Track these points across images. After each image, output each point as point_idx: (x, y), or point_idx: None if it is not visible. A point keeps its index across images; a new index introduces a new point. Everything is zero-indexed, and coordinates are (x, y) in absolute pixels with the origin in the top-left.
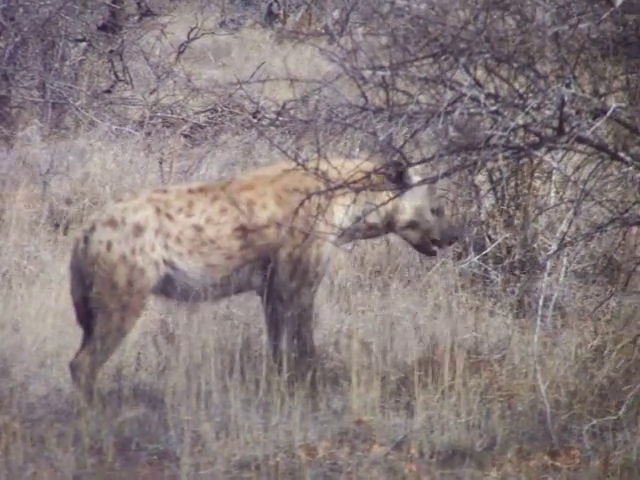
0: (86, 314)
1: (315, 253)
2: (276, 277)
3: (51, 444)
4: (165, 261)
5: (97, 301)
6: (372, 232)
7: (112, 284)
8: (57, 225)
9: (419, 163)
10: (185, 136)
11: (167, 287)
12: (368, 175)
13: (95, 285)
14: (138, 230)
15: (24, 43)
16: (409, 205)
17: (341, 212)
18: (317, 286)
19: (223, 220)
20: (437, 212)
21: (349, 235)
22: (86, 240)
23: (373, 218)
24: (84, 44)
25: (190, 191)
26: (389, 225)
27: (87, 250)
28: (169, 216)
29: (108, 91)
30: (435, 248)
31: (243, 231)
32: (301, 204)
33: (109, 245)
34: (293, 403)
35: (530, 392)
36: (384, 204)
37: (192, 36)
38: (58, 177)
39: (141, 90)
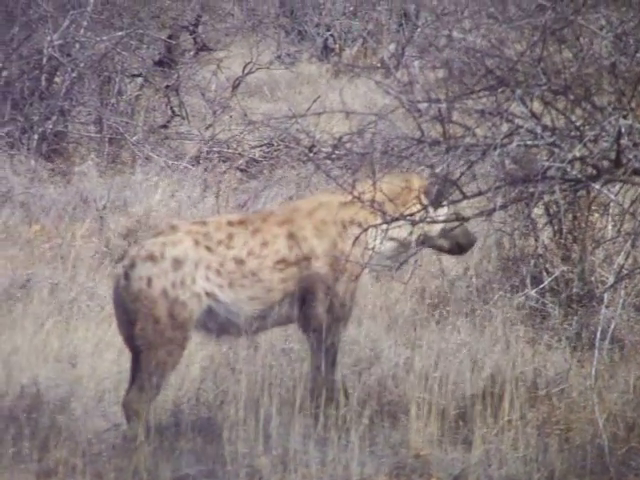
0: (135, 349)
1: (352, 287)
2: (313, 310)
3: (109, 479)
4: (207, 293)
5: (142, 337)
6: (406, 248)
7: (155, 319)
8: (116, 261)
9: (476, 196)
10: (241, 170)
11: (208, 320)
12: (423, 204)
13: (139, 321)
14: (177, 264)
15: (80, 79)
16: (440, 218)
17: (375, 235)
18: (348, 320)
19: (264, 253)
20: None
21: (386, 256)
22: (127, 277)
23: (408, 235)
24: (140, 79)
25: (230, 223)
26: (424, 240)
27: (128, 287)
28: (209, 248)
29: (164, 126)
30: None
31: (284, 264)
32: (357, 238)
33: (149, 281)
34: (351, 437)
35: (588, 426)
36: (421, 221)
37: (247, 71)
38: (115, 212)
39: (197, 125)
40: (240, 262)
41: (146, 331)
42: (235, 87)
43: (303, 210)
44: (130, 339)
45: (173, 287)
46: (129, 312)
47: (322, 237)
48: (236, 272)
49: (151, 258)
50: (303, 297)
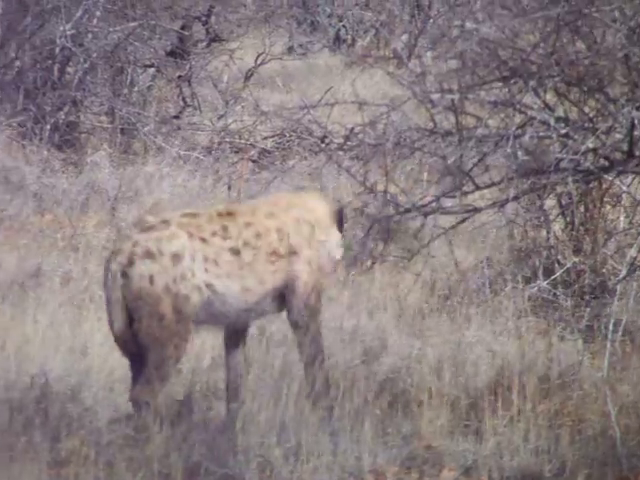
0: (131, 345)
1: (324, 283)
2: (294, 303)
3: (120, 469)
4: (207, 285)
5: (147, 334)
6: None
7: (160, 316)
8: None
9: (488, 187)
10: (253, 161)
11: (203, 311)
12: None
13: (143, 319)
14: (176, 258)
15: (93, 69)
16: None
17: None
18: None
19: (259, 244)
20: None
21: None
22: (125, 275)
23: None
24: (153, 70)
25: (220, 215)
26: None
27: (129, 285)
28: (203, 240)
29: (176, 117)
30: None
31: (275, 256)
32: (368, 231)
33: (151, 278)
34: (362, 428)
35: (600, 417)
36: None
37: (260, 61)
38: (127, 202)
39: (209, 115)
40: (236, 253)
41: (152, 328)
42: (247, 78)
43: (282, 206)
44: (127, 335)
45: (174, 282)
46: (130, 310)
47: (300, 234)
48: (233, 263)
49: (149, 255)
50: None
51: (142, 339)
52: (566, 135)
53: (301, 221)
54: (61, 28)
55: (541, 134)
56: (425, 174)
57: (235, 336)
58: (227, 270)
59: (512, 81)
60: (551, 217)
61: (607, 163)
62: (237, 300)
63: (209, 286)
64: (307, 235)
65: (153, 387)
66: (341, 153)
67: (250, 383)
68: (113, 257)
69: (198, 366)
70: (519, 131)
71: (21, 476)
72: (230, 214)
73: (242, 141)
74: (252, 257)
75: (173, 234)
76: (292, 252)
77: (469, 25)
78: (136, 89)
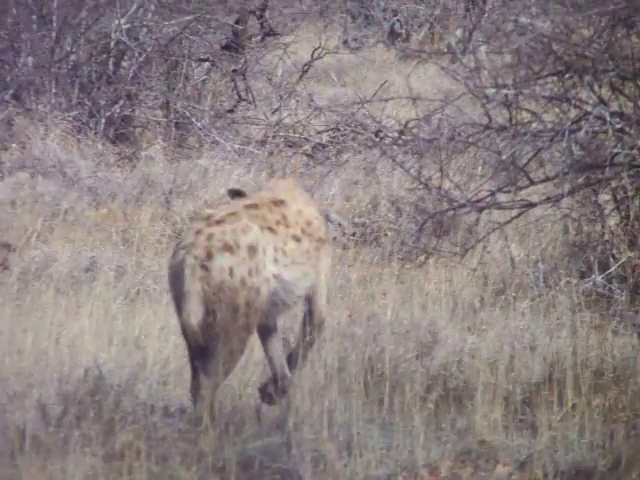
0: (202, 337)
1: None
2: (319, 290)
3: (174, 463)
4: (274, 275)
5: (220, 326)
6: None
7: (234, 308)
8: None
9: (543, 182)
10: (307, 155)
11: (269, 302)
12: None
13: (218, 311)
14: (252, 251)
15: (148, 63)
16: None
17: None
18: None
19: (310, 231)
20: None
21: None
22: (205, 268)
23: None
24: (207, 64)
25: (275, 203)
26: None
27: (209, 278)
28: (271, 229)
29: (231, 110)
30: None
31: (319, 243)
32: (422, 225)
33: (231, 271)
34: (416, 422)
35: None
36: None
37: (316, 56)
38: (181, 196)
39: (263, 109)
40: (298, 240)
41: (225, 320)
42: (304, 72)
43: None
44: (201, 328)
45: (250, 275)
46: (208, 302)
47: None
48: (295, 250)
49: (228, 248)
50: None
51: (214, 331)
52: (621, 130)
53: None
54: (116, 22)
55: (596, 129)
56: (479, 169)
57: (269, 326)
58: (292, 258)
59: (567, 76)
60: (606, 212)
61: None
62: (298, 287)
63: (276, 276)
64: (325, 227)
65: (217, 380)
66: (395, 147)
67: (302, 377)
68: (187, 251)
69: (251, 359)
70: (574, 126)
71: (75, 469)
72: (282, 202)
73: (296, 135)
74: (308, 244)
75: (247, 226)
76: (323, 241)
77: (523, 20)
78: (191, 83)
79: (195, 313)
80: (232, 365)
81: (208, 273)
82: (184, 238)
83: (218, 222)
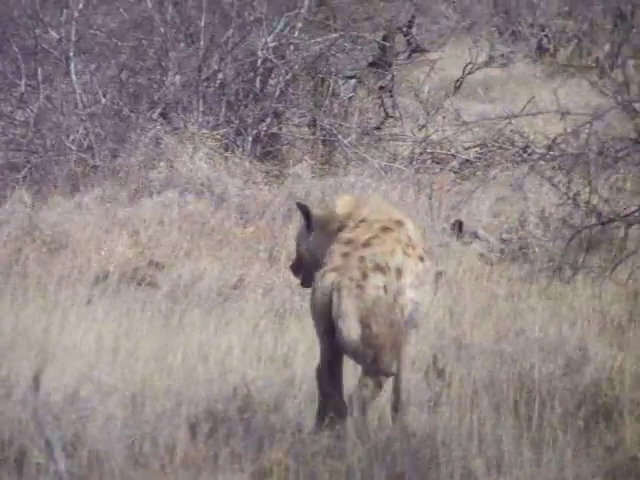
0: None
1: None
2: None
3: None
4: (410, 298)
5: (376, 339)
6: None
7: (390, 323)
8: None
9: None
10: (454, 172)
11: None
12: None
13: (374, 325)
14: (399, 273)
15: (294, 80)
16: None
17: None
18: None
19: (426, 249)
20: None
21: None
22: (360, 287)
23: None
24: (354, 81)
25: (399, 224)
26: None
27: (363, 295)
28: (406, 254)
29: (377, 127)
30: None
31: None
32: (570, 240)
33: (385, 288)
34: (565, 439)
35: None
36: None
37: (467, 72)
38: None
39: (410, 126)
40: (422, 260)
41: (382, 334)
42: (457, 88)
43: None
44: (360, 342)
45: (398, 294)
46: (364, 319)
47: None
48: (420, 272)
49: (379, 269)
50: None
51: (373, 344)
52: None
53: None
54: (263, 40)
55: None
56: (628, 184)
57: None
58: (421, 279)
59: None
60: None
61: None
62: (424, 306)
63: (412, 299)
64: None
65: (372, 394)
66: (543, 163)
67: (450, 395)
68: (339, 273)
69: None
70: None
71: None
72: (401, 223)
73: (443, 151)
74: (429, 263)
75: (393, 250)
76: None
77: None
78: (337, 100)
79: (355, 330)
80: (384, 381)
81: (363, 292)
82: (329, 262)
83: (364, 245)
